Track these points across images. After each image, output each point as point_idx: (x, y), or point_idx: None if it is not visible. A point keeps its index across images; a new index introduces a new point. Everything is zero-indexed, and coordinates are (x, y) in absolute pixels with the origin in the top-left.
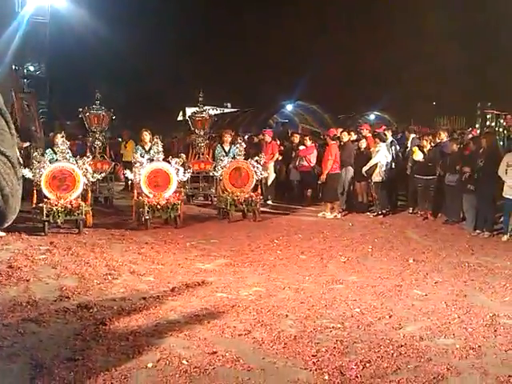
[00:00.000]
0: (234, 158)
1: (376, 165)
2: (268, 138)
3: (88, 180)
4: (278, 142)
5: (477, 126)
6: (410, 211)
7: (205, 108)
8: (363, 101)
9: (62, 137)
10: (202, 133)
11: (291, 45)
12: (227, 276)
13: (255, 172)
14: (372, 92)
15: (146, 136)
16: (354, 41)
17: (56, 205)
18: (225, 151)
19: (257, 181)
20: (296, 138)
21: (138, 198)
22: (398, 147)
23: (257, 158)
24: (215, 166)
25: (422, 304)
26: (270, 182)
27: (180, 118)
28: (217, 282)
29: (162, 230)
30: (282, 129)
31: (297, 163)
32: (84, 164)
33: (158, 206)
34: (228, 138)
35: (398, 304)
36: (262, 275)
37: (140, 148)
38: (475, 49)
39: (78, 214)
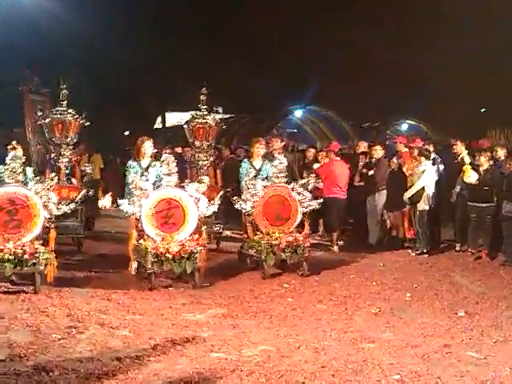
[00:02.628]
0: (266, 178)
1: (422, 189)
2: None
3: (51, 214)
4: None
5: None
6: (458, 248)
7: (203, 112)
8: (392, 106)
9: (14, 148)
10: (204, 146)
11: (299, 34)
12: (225, 330)
13: (300, 202)
14: (403, 95)
15: (149, 148)
16: (380, 32)
17: (1, 250)
18: (255, 169)
19: (303, 215)
20: (310, 153)
21: (138, 241)
22: (441, 166)
23: (303, 181)
24: (237, 193)
25: (478, 370)
26: None
27: (158, 125)
28: (212, 338)
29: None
30: (291, 140)
31: (309, 186)
32: (46, 190)
33: (168, 255)
34: (260, 149)
35: (447, 370)
36: (270, 330)
37: (136, 166)
38: None
39: (34, 264)
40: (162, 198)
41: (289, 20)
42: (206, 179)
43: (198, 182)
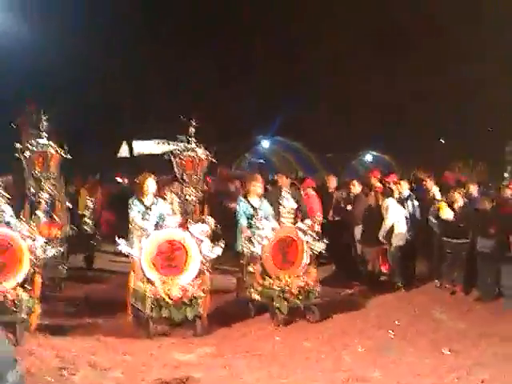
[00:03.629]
0: (266, 218)
1: (392, 226)
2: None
3: (37, 258)
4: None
5: (506, 175)
6: (435, 284)
7: (192, 144)
8: (357, 137)
9: None
10: (193, 180)
11: (268, 66)
12: (216, 371)
13: (307, 243)
14: (367, 126)
15: (151, 186)
16: (344, 64)
17: None
18: (253, 207)
19: (311, 256)
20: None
21: (135, 284)
22: (415, 202)
23: (309, 221)
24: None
25: None
26: None
27: (124, 153)
28: (205, 378)
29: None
30: (258, 171)
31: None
32: (30, 231)
33: (169, 300)
34: (257, 186)
35: None
36: (261, 370)
37: (138, 204)
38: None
39: (15, 312)
40: (164, 239)
41: (255, 48)
42: (210, 220)
43: (201, 222)
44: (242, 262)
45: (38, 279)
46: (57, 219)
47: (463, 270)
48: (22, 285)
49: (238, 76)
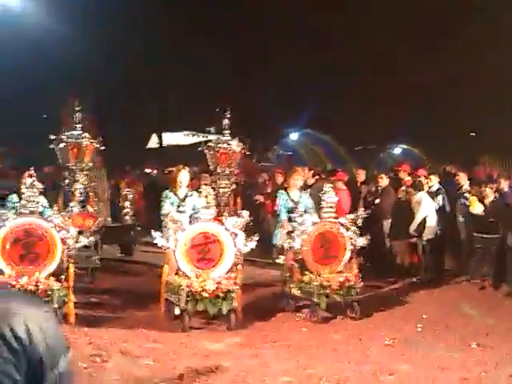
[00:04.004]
0: (305, 211)
1: (424, 220)
2: (280, 179)
3: (69, 247)
4: None
5: None
6: (464, 279)
7: (227, 136)
8: (386, 130)
9: (30, 176)
10: (227, 172)
11: (296, 57)
12: (245, 360)
13: (350, 238)
14: (397, 119)
15: (185, 178)
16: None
17: (13, 286)
18: (293, 201)
19: (352, 252)
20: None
21: (170, 277)
22: (445, 197)
23: (352, 215)
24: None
25: None
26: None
27: (153, 145)
28: (234, 367)
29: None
30: (286, 164)
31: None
32: (64, 222)
33: (204, 293)
34: (298, 179)
35: None
36: (289, 361)
37: (172, 196)
38: None
39: (47, 301)
40: (199, 231)
41: (285, 42)
42: (245, 213)
43: (236, 215)
44: (280, 255)
45: (71, 269)
46: (91, 210)
47: (493, 265)
48: (54, 275)
49: (266, 68)
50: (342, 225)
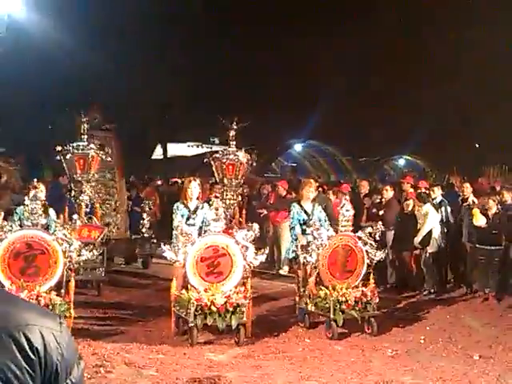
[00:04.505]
0: (319, 223)
1: (430, 232)
2: (283, 191)
3: (71, 261)
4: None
5: None
6: (468, 290)
7: (233, 147)
8: (390, 141)
9: (35, 187)
10: (233, 183)
11: (300, 68)
12: (248, 371)
13: (367, 252)
14: (401, 131)
15: (195, 190)
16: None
17: None
18: (306, 213)
19: (369, 266)
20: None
21: (179, 291)
22: (449, 208)
23: (369, 229)
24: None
25: None
26: (285, 248)
27: (158, 156)
28: (237, 379)
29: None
30: (290, 176)
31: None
32: (67, 234)
33: (213, 308)
34: (311, 191)
35: None
36: (292, 372)
37: (182, 208)
38: None
39: None
40: (208, 244)
41: (288, 53)
42: (255, 226)
43: (247, 229)
44: (297, 269)
45: (72, 283)
46: (96, 221)
47: (496, 276)
48: (56, 289)
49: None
50: (360, 238)
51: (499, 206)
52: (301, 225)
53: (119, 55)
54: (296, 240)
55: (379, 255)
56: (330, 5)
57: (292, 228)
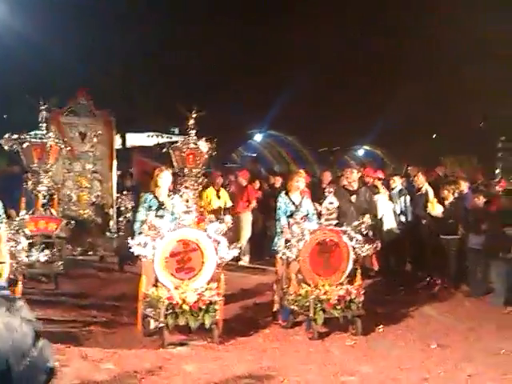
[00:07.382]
0: (307, 216)
1: (381, 221)
2: (243, 181)
3: (18, 262)
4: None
5: (497, 171)
6: (425, 279)
7: (193, 136)
8: (349, 132)
9: None
10: (194, 172)
11: (263, 58)
12: (208, 363)
13: (353, 248)
14: (361, 121)
15: (166, 179)
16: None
17: None
18: (294, 204)
19: (355, 262)
20: (277, 181)
21: (148, 288)
22: (408, 198)
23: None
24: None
25: None
26: (245, 238)
27: (117, 146)
28: (196, 371)
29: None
30: (251, 166)
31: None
32: (14, 233)
33: (185, 306)
34: (301, 181)
35: None
36: (252, 363)
37: (153, 199)
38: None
39: None
40: (178, 239)
41: (250, 42)
42: (228, 219)
43: (219, 221)
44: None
45: (19, 286)
46: (54, 213)
47: (453, 265)
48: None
49: (232, 71)
50: (345, 233)
51: (455, 196)
52: (288, 217)
53: (76, 42)
54: (282, 233)
55: (366, 250)
56: None
57: (277, 220)
